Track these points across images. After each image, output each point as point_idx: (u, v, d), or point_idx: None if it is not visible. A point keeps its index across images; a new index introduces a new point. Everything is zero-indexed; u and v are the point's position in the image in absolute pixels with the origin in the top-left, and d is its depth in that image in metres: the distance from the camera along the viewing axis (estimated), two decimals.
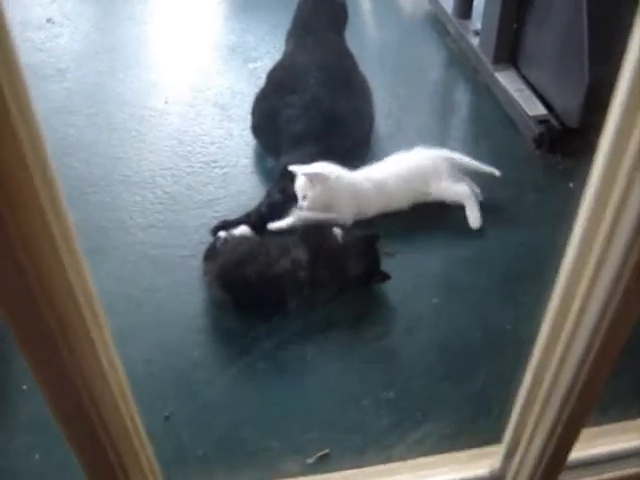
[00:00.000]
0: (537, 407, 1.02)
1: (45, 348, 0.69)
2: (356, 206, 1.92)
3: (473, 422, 1.45)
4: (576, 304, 0.84)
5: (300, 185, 1.89)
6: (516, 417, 1.10)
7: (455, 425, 1.44)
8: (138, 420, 0.90)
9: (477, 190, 2.01)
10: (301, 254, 1.69)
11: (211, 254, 1.77)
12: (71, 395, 0.73)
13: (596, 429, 1.26)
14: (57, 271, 0.64)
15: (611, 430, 1.28)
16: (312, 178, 1.86)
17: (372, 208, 1.95)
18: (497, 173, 2.02)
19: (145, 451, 0.94)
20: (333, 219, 1.88)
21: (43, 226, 0.60)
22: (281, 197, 1.95)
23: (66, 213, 0.65)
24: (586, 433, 1.07)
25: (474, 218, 1.95)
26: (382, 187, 1.95)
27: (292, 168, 1.90)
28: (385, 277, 1.75)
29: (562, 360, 0.91)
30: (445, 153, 2.04)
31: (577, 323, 0.85)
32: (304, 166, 1.89)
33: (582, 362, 0.87)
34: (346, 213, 1.91)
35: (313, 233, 1.78)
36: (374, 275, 1.75)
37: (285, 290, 1.67)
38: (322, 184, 1.86)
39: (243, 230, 1.83)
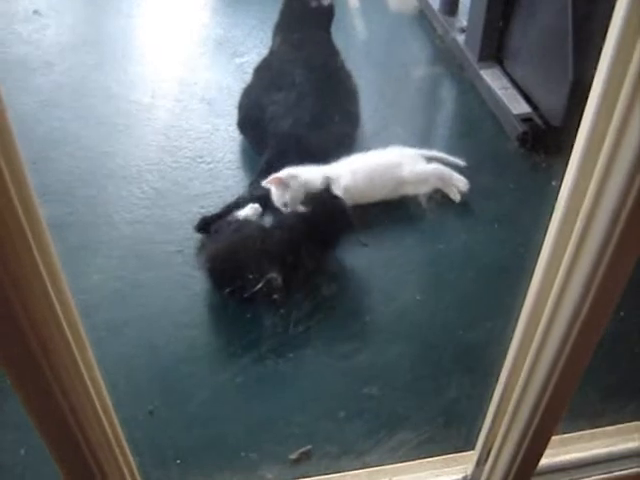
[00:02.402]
0: (507, 415, 1.04)
1: (21, 353, 0.69)
2: None
3: (449, 427, 1.46)
4: (546, 312, 0.85)
5: (274, 195, 1.94)
6: (488, 424, 1.12)
7: (432, 431, 1.45)
8: (118, 424, 0.90)
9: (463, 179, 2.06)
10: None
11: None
12: (50, 405, 0.74)
13: (565, 436, 1.28)
14: (34, 281, 0.64)
15: (580, 437, 1.30)
16: (276, 183, 1.92)
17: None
18: (461, 163, 2.09)
19: (124, 454, 0.95)
20: None
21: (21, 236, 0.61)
22: (261, 193, 1.97)
23: (42, 225, 0.65)
24: (556, 440, 1.09)
25: (454, 193, 2.03)
26: (353, 179, 1.98)
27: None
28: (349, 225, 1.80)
29: (531, 370, 0.93)
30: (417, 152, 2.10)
31: (546, 332, 0.87)
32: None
33: (551, 372, 0.89)
34: None
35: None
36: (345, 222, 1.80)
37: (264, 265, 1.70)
38: (290, 185, 1.90)
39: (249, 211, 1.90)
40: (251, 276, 1.66)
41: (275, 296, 1.67)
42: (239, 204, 1.95)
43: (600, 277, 0.74)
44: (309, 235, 1.74)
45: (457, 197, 2.03)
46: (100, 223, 1.93)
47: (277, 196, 1.93)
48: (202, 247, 1.83)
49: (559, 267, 0.80)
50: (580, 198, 0.74)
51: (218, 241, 1.79)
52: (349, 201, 1.94)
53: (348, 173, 1.98)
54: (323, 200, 1.80)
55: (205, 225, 1.88)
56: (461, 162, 2.08)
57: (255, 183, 2.00)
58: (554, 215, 0.80)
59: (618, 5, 0.61)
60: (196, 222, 1.89)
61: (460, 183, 2.04)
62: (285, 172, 1.93)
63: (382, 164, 2.02)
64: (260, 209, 1.92)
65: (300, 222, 1.78)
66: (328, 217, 1.77)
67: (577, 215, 0.74)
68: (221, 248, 1.74)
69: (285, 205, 1.91)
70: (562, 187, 0.77)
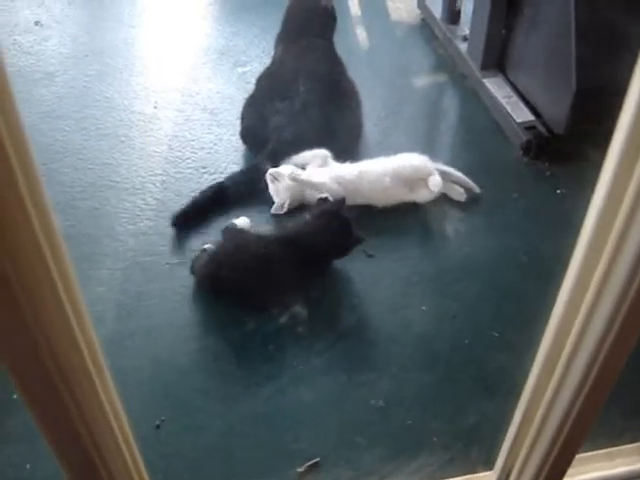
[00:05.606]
0: (530, 437, 1.02)
1: (39, 376, 0.68)
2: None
3: (467, 450, 1.43)
4: (574, 332, 0.83)
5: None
6: (508, 445, 1.10)
7: (449, 452, 1.43)
8: (130, 435, 0.90)
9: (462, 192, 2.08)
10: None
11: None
12: (60, 413, 0.73)
13: (585, 455, 1.26)
14: (48, 291, 0.64)
15: (600, 456, 1.28)
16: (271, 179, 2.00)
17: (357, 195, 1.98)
18: (477, 190, 2.08)
19: (136, 465, 0.94)
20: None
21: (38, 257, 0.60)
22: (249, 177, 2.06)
23: (60, 242, 0.64)
24: (575, 459, 1.07)
25: (459, 193, 2.06)
26: (366, 178, 1.99)
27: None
28: (359, 239, 1.79)
29: (556, 391, 0.91)
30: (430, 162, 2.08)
31: (573, 352, 0.85)
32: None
33: (577, 392, 0.87)
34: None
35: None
36: (349, 240, 1.79)
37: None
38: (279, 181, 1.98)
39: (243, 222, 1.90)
40: (275, 310, 1.71)
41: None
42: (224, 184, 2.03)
43: (634, 292, 0.72)
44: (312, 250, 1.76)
45: (462, 197, 2.06)
46: (103, 235, 1.93)
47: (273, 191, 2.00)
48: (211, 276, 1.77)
49: (589, 283, 0.78)
50: (615, 210, 0.71)
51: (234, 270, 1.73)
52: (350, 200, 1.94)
53: (356, 171, 2.00)
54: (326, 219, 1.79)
55: (182, 219, 1.93)
56: (477, 189, 2.08)
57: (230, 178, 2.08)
58: (583, 231, 0.77)
59: None
60: (175, 218, 1.94)
61: (460, 197, 2.06)
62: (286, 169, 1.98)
63: (396, 172, 2.01)
64: (248, 221, 1.91)
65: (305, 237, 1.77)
66: (333, 234, 1.78)
67: (611, 227, 0.72)
68: (241, 280, 1.71)
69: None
70: (594, 199, 0.73)
